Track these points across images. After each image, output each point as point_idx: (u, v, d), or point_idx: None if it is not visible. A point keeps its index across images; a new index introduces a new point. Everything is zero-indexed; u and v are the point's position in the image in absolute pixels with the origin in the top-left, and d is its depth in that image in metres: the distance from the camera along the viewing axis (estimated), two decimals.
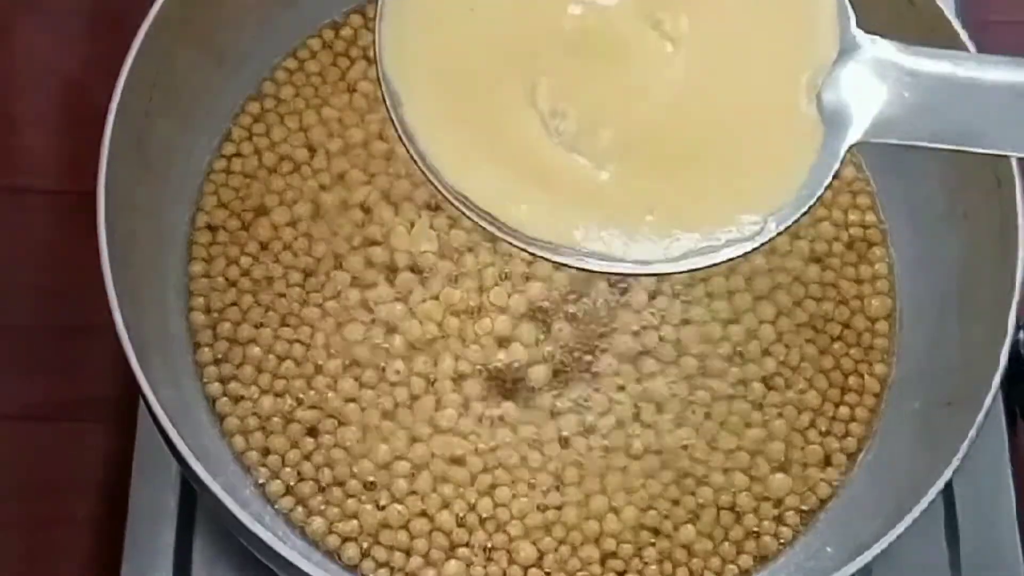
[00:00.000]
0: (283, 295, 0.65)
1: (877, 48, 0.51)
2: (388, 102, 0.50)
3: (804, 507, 0.63)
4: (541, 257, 0.50)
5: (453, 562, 0.61)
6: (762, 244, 0.49)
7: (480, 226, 0.49)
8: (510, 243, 0.49)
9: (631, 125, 0.50)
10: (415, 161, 0.50)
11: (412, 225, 0.66)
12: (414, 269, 0.66)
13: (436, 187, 0.49)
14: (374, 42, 0.51)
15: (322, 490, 0.62)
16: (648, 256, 0.49)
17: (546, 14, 0.51)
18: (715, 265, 0.49)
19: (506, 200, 0.49)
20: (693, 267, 0.49)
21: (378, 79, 0.50)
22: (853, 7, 0.50)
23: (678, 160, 0.50)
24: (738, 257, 0.49)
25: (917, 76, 0.50)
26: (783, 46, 0.51)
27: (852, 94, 0.50)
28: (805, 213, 0.50)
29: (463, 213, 0.49)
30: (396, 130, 0.50)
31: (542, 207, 0.49)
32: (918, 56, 0.50)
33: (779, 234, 0.49)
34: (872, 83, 0.50)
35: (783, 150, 0.50)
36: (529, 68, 0.50)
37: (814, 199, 0.50)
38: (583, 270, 0.50)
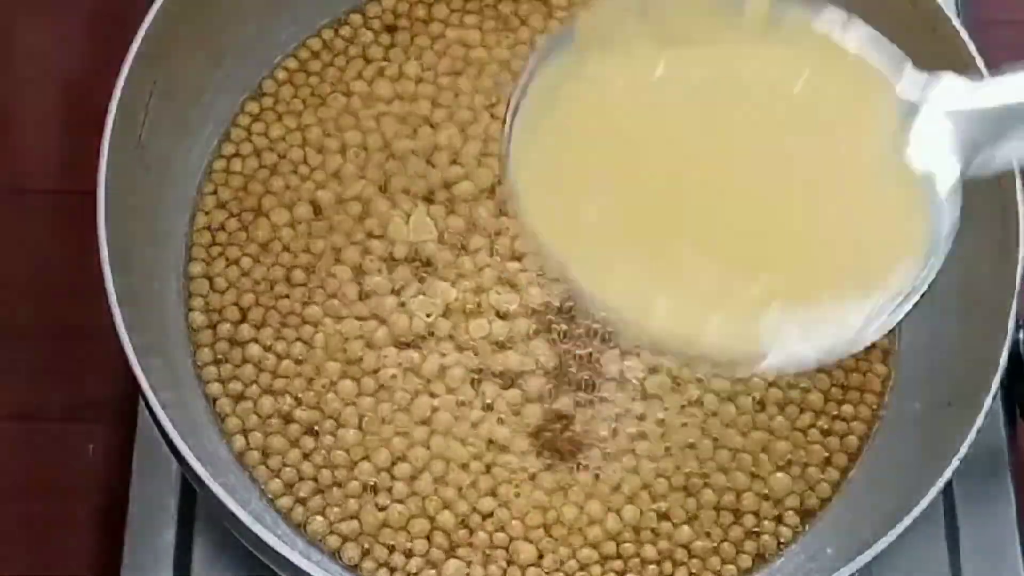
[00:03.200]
0: (283, 295, 0.65)
1: (943, 88, 0.49)
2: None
3: (804, 507, 0.63)
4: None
5: (453, 562, 0.61)
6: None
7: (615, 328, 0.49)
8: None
9: (756, 234, 0.49)
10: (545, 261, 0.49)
11: (409, 216, 0.66)
12: (413, 260, 0.65)
13: (570, 287, 0.49)
14: (502, 137, 0.50)
15: (322, 490, 0.62)
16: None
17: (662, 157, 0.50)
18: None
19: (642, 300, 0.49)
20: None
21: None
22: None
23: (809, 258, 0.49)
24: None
25: (984, 111, 0.49)
26: (858, 115, 0.50)
27: (934, 141, 0.49)
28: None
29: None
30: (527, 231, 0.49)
31: (675, 305, 0.49)
32: (979, 87, 0.49)
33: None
34: (946, 124, 0.49)
35: (896, 215, 0.50)
36: (672, 211, 0.50)
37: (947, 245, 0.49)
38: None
